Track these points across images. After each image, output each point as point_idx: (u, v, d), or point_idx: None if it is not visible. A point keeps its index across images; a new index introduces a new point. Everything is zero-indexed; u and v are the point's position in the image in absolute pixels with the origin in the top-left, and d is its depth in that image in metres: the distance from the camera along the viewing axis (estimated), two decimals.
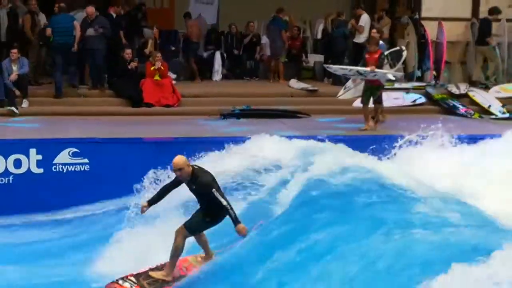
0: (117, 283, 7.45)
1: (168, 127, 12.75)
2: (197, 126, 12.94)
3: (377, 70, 12.17)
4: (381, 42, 13.24)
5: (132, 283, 7.47)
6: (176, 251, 7.44)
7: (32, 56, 14.78)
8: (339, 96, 13.71)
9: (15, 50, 13.60)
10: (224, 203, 7.23)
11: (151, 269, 7.63)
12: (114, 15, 15.40)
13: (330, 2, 18.73)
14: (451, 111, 14.90)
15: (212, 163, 10.94)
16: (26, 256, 9.23)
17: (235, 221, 7.28)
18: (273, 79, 16.91)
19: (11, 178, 10.99)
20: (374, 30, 13.34)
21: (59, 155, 11.15)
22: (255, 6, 18.15)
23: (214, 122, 13.49)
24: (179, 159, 7.39)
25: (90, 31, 14.17)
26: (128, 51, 14.66)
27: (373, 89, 12.51)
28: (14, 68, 13.53)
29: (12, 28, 14.80)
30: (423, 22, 16.75)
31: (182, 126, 12.80)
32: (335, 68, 13.24)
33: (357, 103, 13.61)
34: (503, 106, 14.95)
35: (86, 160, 11.22)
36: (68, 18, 14.43)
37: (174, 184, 7.64)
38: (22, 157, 11.02)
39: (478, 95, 15.46)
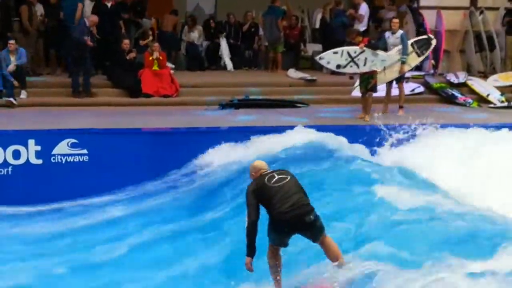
0: None
1: (167, 117, 12.73)
2: (196, 116, 12.93)
3: (366, 48, 12.39)
4: (402, 31, 13.15)
5: None
6: (271, 269, 6.78)
7: (30, 47, 14.74)
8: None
9: (12, 41, 13.57)
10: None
11: None
12: (109, 5, 15.33)
13: None
14: (450, 100, 14.92)
15: (209, 154, 11.09)
16: (24, 247, 9.23)
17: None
18: (271, 69, 16.90)
19: (10, 169, 10.98)
20: (396, 20, 13.25)
21: (58, 146, 11.13)
22: None
23: (212, 112, 13.48)
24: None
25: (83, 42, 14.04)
26: (126, 41, 14.64)
27: (368, 78, 12.56)
28: (12, 59, 13.49)
29: (5, 19, 14.71)
30: (422, 11, 16.72)
31: (181, 117, 12.79)
32: (328, 58, 12.96)
33: (355, 93, 13.65)
34: (501, 95, 14.97)
35: (85, 151, 11.21)
36: (75, 1, 14.52)
37: (256, 197, 6.67)
38: (21, 148, 10.99)
39: (477, 84, 15.47)
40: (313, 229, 6.63)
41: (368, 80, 12.53)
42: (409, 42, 13.06)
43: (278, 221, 6.54)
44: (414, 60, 13.21)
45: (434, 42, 13.41)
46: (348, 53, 12.57)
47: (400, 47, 12.88)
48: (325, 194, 8.60)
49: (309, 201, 6.65)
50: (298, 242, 6.89)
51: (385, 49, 12.98)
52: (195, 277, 7.67)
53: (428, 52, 13.60)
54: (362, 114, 12.67)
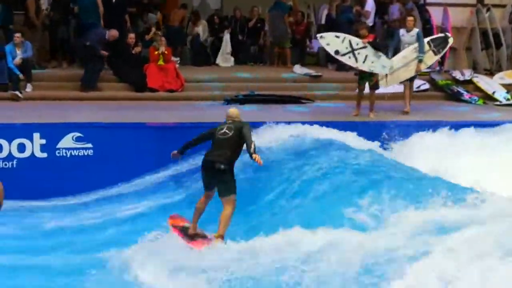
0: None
1: (172, 112, 12.74)
2: (200, 111, 12.93)
3: (370, 45, 12.28)
4: (417, 29, 13.06)
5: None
6: (194, 211, 8.28)
7: (36, 40, 14.76)
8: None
9: (18, 34, 13.60)
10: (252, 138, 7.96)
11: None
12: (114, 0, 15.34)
13: None
14: (456, 97, 14.90)
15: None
16: (27, 240, 9.25)
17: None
18: (277, 64, 16.87)
19: (15, 162, 11.00)
20: (411, 18, 13.14)
21: (63, 139, 11.15)
22: None
23: (217, 107, 13.48)
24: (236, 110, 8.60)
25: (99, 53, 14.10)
26: (132, 35, 14.63)
27: (370, 75, 12.51)
28: (18, 52, 13.52)
29: (6, 12, 14.70)
30: (428, 8, 16.71)
31: (186, 111, 12.80)
32: (328, 39, 12.69)
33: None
34: (507, 93, 14.95)
35: (90, 145, 11.22)
36: None
37: (207, 136, 8.39)
38: (26, 141, 11.01)
39: (483, 81, 15.46)
40: (220, 180, 7.97)
41: (369, 78, 12.49)
42: (426, 40, 12.90)
43: (201, 165, 8.16)
44: (430, 58, 13.05)
45: (451, 40, 13.23)
46: (350, 42, 12.42)
47: (416, 45, 12.72)
48: None
49: (231, 158, 8.05)
50: None
51: (398, 47, 12.89)
52: None
53: (446, 50, 13.41)
54: (356, 111, 12.66)
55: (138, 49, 14.49)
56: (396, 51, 12.95)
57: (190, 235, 8.11)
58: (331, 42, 12.64)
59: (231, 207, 7.92)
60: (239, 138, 8.05)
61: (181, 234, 8.15)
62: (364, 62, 12.37)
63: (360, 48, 12.37)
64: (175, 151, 8.60)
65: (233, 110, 8.64)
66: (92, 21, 14.60)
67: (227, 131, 8.15)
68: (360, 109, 12.71)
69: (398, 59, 12.77)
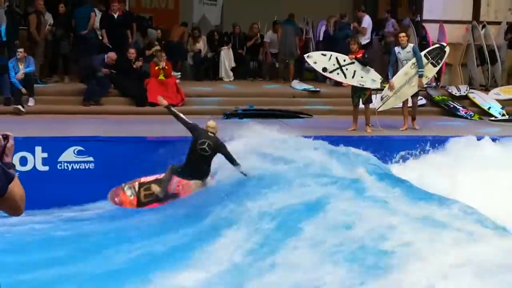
0: (123, 189, 9.68)
1: (172, 126, 12.86)
2: (201, 125, 13.04)
3: (357, 61, 12.43)
4: (412, 44, 13.12)
5: (133, 192, 9.44)
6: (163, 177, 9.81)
7: (38, 56, 14.97)
8: (379, 108, 13.05)
9: (21, 49, 13.81)
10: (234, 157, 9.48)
11: (157, 179, 9.83)
12: (116, 15, 15.58)
13: (332, 3, 18.93)
14: (452, 112, 15.09)
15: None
16: (28, 252, 9.37)
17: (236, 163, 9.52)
18: (282, 80, 17.09)
19: (16, 175, 11.08)
20: (402, 34, 13.22)
21: (64, 153, 11.28)
22: (259, 6, 18.32)
23: (217, 121, 13.61)
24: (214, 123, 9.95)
25: (100, 74, 14.36)
26: (132, 50, 14.84)
27: (362, 90, 12.68)
28: (21, 66, 13.72)
29: (11, 27, 14.96)
30: (424, 24, 16.92)
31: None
32: (315, 58, 12.95)
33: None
34: (502, 108, 15.14)
35: (91, 159, 11.37)
36: (88, 10, 15.22)
37: (190, 128, 9.93)
38: (27, 154, 11.13)
39: (478, 97, 15.65)
40: None
41: (362, 93, 12.66)
42: (422, 53, 12.94)
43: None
44: (430, 71, 13.11)
45: (448, 49, 13.24)
46: (337, 59, 12.63)
47: (414, 60, 12.73)
48: None
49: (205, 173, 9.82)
50: None
51: (396, 65, 13.00)
52: None
53: (444, 60, 13.41)
54: (353, 126, 12.83)
55: (139, 63, 14.72)
56: (396, 69, 13.08)
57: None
58: (318, 60, 12.88)
59: None
60: (213, 156, 9.66)
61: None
62: (353, 77, 12.56)
63: (348, 64, 12.56)
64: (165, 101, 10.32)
65: (212, 122, 9.85)
66: (84, 32, 14.97)
67: (207, 148, 9.51)
68: (357, 124, 12.88)
69: (400, 77, 12.90)
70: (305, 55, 13.40)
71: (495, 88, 16.33)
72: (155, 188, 9.57)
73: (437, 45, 13.56)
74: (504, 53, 16.86)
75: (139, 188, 9.41)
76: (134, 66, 14.61)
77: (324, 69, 12.76)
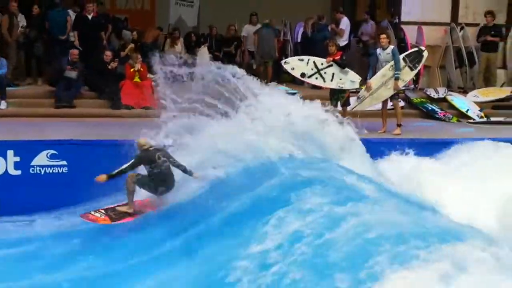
0: (90, 213, 9.56)
1: (148, 129, 12.66)
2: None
3: (335, 63, 12.40)
4: (392, 46, 12.95)
5: (102, 213, 9.50)
6: (128, 190, 9.55)
7: (10, 58, 14.70)
8: (353, 108, 12.96)
9: None
10: (183, 164, 9.45)
11: (118, 205, 9.66)
12: (90, 17, 15.35)
13: (310, 5, 18.83)
14: (430, 115, 15.04)
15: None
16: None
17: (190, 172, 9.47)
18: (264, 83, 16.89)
19: None
20: (383, 35, 13.10)
21: (37, 157, 11.09)
22: (236, 7, 18.18)
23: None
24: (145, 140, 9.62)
25: (69, 73, 14.13)
26: (108, 52, 14.63)
27: (340, 92, 12.59)
28: None
29: None
30: (403, 26, 16.89)
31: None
32: (293, 63, 12.86)
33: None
34: (480, 110, 15.12)
35: (64, 162, 11.17)
36: (63, 13, 15.12)
37: (138, 164, 9.52)
38: None
39: (456, 99, 15.63)
40: None
41: (340, 95, 12.57)
42: (401, 56, 12.82)
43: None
44: (407, 74, 12.95)
45: (426, 53, 13.13)
46: (314, 63, 12.56)
47: (392, 63, 12.62)
48: None
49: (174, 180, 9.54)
50: None
51: (377, 66, 12.91)
52: None
53: (421, 65, 13.33)
54: None
55: (114, 64, 14.47)
56: (375, 70, 13.00)
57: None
58: (296, 66, 12.84)
59: None
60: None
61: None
62: (332, 80, 12.49)
63: (326, 67, 12.48)
64: (103, 175, 9.39)
65: (143, 140, 9.67)
66: (63, 37, 14.72)
67: (165, 163, 9.44)
68: None
69: (377, 78, 12.83)
70: (282, 61, 13.30)
71: (473, 91, 16.34)
72: (121, 208, 9.60)
73: (415, 49, 13.46)
74: (479, 56, 16.86)
75: (106, 210, 9.55)
76: (109, 67, 14.38)
77: (303, 75, 12.71)
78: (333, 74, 12.40)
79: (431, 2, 17.46)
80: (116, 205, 9.76)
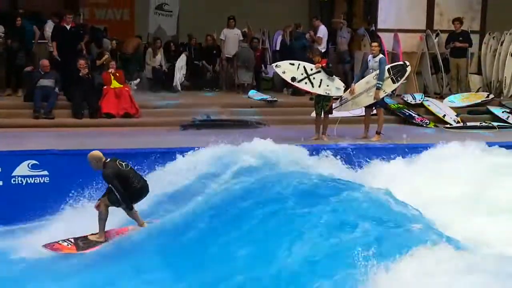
0: (58, 242, 9.33)
1: (129, 138, 12.78)
2: (157, 137, 12.99)
3: (323, 70, 12.62)
4: (381, 55, 13.04)
5: (70, 242, 9.34)
6: (101, 216, 9.35)
7: None
8: (335, 108, 13.12)
9: None
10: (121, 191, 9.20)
11: (90, 235, 9.47)
12: (68, 27, 15.40)
13: (287, 13, 19.00)
14: (407, 120, 15.25)
15: (172, 174, 11.14)
16: None
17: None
18: (238, 91, 17.02)
19: None
20: (375, 44, 13.21)
21: (18, 167, 11.11)
22: (214, 16, 18.28)
23: (174, 133, 13.56)
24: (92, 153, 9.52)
25: (43, 82, 14.18)
26: (82, 61, 14.49)
27: (324, 100, 12.76)
28: None
29: None
30: (379, 34, 17.09)
31: (142, 138, 12.85)
32: (284, 67, 12.98)
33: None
34: (457, 115, 15.35)
35: (46, 172, 11.20)
36: (30, 25, 15.35)
37: (121, 186, 9.36)
38: None
39: (433, 105, 15.85)
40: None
41: (323, 103, 12.75)
42: (387, 67, 12.93)
43: (134, 193, 9.33)
44: (389, 86, 13.06)
45: (409, 69, 13.31)
46: (304, 68, 12.75)
47: (378, 71, 12.75)
48: None
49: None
50: None
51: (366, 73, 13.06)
52: None
53: (404, 79, 13.47)
54: (316, 135, 12.90)
55: (84, 71, 14.35)
56: (365, 76, 13.16)
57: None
58: (287, 70, 12.95)
59: None
60: None
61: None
62: (319, 86, 12.68)
63: (315, 73, 12.69)
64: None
65: (95, 153, 9.54)
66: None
67: (125, 163, 9.49)
68: (319, 133, 12.93)
69: (362, 84, 13.02)
70: (273, 65, 13.48)
71: (449, 96, 16.56)
72: (92, 237, 9.48)
73: (400, 63, 13.63)
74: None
75: (75, 240, 9.39)
76: (80, 74, 14.30)
77: (293, 79, 12.86)
78: (321, 80, 12.63)
79: (407, 9, 17.71)
80: (89, 234, 9.54)
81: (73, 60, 14.70)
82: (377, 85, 12.73)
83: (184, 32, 18.88)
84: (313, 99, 13.33)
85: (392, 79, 12.99)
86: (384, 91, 12.94)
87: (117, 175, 9.26)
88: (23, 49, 15.12)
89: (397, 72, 13.04)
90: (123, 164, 9.44)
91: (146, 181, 9.60)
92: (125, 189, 9.25)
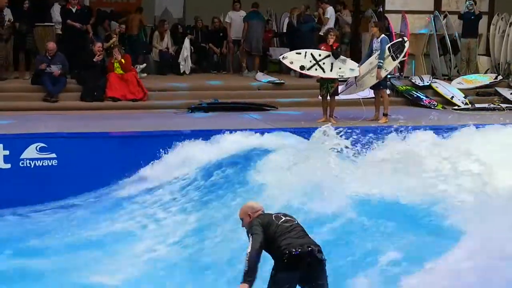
0: None
1: (136, 121, 12.79)
2: (164, 120, 13.00)
3: (332, 54, 12.47)
4: (383, 35, 12.99)
5: None
6: None
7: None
8: (341, 92, 13.10)
9: None
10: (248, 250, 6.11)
11: None
12: (74, 9, 15.37)
13: None
14: (415, 102, 15.20)
15: (179, 156, 11.15)
16: None
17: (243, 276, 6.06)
18: (247, 70, 16.94)
19: None
20: (374, 28, 13.12)
21: (27, 150, 11.11)
22: None
23: (182, 115, 13.57)
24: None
25: (53, 68, 14.06)
26: (99, 44, 14.59)
27: (329, 82, 12.70)
28: None
29: None
30: (387, 15, 17.00)
31: (150, 120, 12.86)
32: (291, 57, 12.92)
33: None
34: (465, 97, 15.29)
35: (53, 155, 11.22)
36: None
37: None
38: None
39: (441, 86, 15.78)
40: (322, 272, 6.19)
41: (329, 85, 12.68)
42: (387, 46, 12.83)
43: (287, 260, 6.04)
44: (390, 64, 12.97)
45: (407, 44, 13.23)
46: (312, 55, 12.64)
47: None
48: None
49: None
50: None
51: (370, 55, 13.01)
52: None
53: (403, 55, 13.36)
54: (324, 118, 12.86)
55: (99, 57, 14.41)
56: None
57: None
58: (294, 59, 12.87)
59: None
60: None
61: None
62: (331, 70, 12.57)
63: (324, 58, 12.58)
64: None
65: (258, 203, 6.70)
66: None
67: (288, 218, 6.41)
68: (327, 115, 12.89)
69: (366, 65, 12.97)
70: (280, 57, 13.35)
71: (457, 78, 16.50)
72: None
73: (399, 39, 13.54)
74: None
75: None
76: (94, 59, 14.34)
77: (302, 67, 12.76)
78: (331, 64, 12.50)
79: None
80: None
81: (79, 43, 14.70)
82: (378, 63, 12.70)
83: (191, 14, 18.81)
84: (319, 81, 13.28)
85: (392, 56, 12.90)
86: (385, 69, 12.88)
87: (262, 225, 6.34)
88: (31, 32, 15.09)
89: (397, 49, 12.95)
90: (279, 216, 6.48)
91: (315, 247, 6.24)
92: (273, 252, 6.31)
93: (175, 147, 11.17)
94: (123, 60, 14.50)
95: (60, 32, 15.32)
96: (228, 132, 11.32)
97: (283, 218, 6.32)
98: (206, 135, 11.38)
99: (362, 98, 13.82)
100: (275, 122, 12.78)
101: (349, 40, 17.67)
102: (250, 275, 5.96)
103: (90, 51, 14.52)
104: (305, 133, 11.22)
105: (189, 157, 10.97)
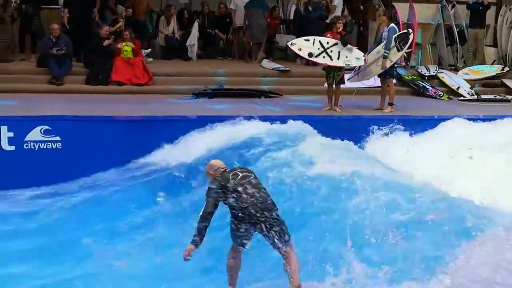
0: None
1: (141, 105, 12.79)
2: (169, 105, 13.00)
3: (339, 41, 12.45)
4: (392, 25, 12.92)
5: None
6: (229, 270, 6.97)
7: (5, 34, 14.68)
8: (349, 79, 13.12)
9: None
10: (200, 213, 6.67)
11: None
12: None
13: None
14: (421, 92, 15.16)
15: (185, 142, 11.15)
16: None
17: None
18: (251, 60, 16.89)
19: None
20: (383, 17, 13.19)
21: (31, 132, 11.12)
22: None
23: (186, 101, 13.56)
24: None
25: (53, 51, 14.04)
26: (106, 28, 14.58)
27: (335, 70, 12.67)
28: None
29: None
30: (394, 4, 16.92)
31: (154, 105, 12.85)
32: (299, 44, 12.86)
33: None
34: (471, 88, 15.24)
35: (58, 138, 11.23)
36: None
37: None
38: None
39: (447, 76, 15.74)
40: (277, 229, 6.62)
41: (335, 73, 12.65)
42: (394, 36, 12.76)
43: (241, 217, 6.62)
44: (394, 55, 12.91)
45: (411, 36, 13.21)
46: (320, 43, 12.60)
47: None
48: None
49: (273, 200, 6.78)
50: None
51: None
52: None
53: (407, 46, 13.28)
54: (329, 106, 12.85)
55: (108, 42, 14.40)
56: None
57: None
58: (303, 46, 12.80)
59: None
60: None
61: None
62: (338, 58, 12.54)
63: (332, 45, 12.54)
64: (191, 246, 6.62)
65: (218, 161, 7.16)
66: None
67: (245, 174, 6.86)
68: (332, 103, 12.87)
69: (373, 54, 12.94)
70: (289, 43, 13.28)
71: (464, 68, 16.44)
72: None
73: (405, 30, 13.50)
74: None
75: None
76: (104, 43, 14.33)
77: (310, 54, 12.71)
78: (339, 52, 12.47)
79: None
80: None
81: (86, 27, 14.66)
82: (384, 53, 12.67)
83: (197, 0, 18.75)
84: (325, 69, 13.23)
85: (397, 47, 12.86)
86: (390, 60, 12.83)
87: (220, 188, 6.84)
88: (38, 14, 15.07)
89: (402, 40, 12.90)
90: (236, 173, 6.90)
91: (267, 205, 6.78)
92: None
93: (182, 133, 11.18)
94: (133, 45, 14.51)
95: (68, 15, 15.25)
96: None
97: (240, 175, 6.78)
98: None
99: (368, 87, 13.80)
100: (283, 109, 12.75)
101: (351, 29, 17.55)
102: (197, 236, 6.60)
103: (96, 35, 14.49)
104: None
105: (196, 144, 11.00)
